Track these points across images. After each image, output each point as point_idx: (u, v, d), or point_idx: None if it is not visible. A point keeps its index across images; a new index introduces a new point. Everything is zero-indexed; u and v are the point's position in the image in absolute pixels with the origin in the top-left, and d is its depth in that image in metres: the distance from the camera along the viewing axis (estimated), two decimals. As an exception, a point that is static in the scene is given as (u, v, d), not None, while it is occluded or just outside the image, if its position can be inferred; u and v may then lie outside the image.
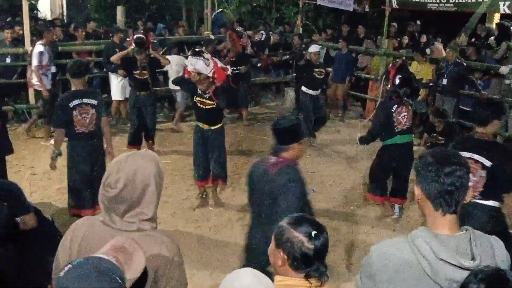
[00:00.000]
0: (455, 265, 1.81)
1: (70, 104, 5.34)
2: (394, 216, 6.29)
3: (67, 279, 1.50)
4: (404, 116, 5.79)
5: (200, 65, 5.77)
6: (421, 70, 9.15)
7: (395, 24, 11.98)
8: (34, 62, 8.31)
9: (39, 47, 8.37)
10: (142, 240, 2.11)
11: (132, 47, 7.85)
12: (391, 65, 6.35)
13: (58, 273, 1.55)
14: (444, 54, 9.59)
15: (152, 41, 8.84)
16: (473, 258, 1.84)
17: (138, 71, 7.81)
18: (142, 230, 2.16)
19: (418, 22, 12.52)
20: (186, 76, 6.15)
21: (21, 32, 9.51)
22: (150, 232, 2.18)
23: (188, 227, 5.96)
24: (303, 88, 8.89)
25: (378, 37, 11.36)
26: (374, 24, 12.62)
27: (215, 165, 6.25)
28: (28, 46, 9.01)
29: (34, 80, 8.48)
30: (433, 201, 1.95)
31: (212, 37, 11.10)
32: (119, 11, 11.64)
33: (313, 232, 2.05)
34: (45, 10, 16.78)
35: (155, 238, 2.17)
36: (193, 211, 6.33)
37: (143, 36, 7.86)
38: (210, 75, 5.81)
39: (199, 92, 5.95)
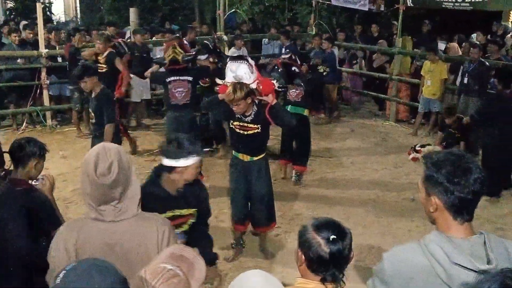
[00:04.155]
0: (470, 269, 1.76)
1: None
2: (293, 179, 7.24)
3: (69, 281, 1.44)
4: (293, 91, 7.08)
5: (242, 70, 4.54)
6: (434, 69, 9.05)
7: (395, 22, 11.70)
8: None
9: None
10: (139, 223, 2.18)
11: (192, 54, 7.28)
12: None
13: (54, 279, 1.49)
14: (460, 52, 9.52)
15: None
16: (488, 262, 1.78)
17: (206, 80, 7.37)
18: (135, 215, 2.19)
19: (426, 21, 12.34)
20: (220, 96, 4.80)
21: (31, 35, 9.60)
22: (141, 215, 2.22)
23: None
24: None
25: (394, 36, 11.23)
26: (388, 23, 12.49)
27: (260, 207, 5.07)
28: (42, 49, 9.08)
29: None
30: (454, 211, 1.89)
31: (225, 37, 11.08)
32: (132, 12, 11.66)
33: (332, 237, 2.00)
34: (59, 12, 16.94)
35: (149, 218, 2.25)
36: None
37: None
38: (254, 86, 4.58)
39: (238, 115, 4.74)
